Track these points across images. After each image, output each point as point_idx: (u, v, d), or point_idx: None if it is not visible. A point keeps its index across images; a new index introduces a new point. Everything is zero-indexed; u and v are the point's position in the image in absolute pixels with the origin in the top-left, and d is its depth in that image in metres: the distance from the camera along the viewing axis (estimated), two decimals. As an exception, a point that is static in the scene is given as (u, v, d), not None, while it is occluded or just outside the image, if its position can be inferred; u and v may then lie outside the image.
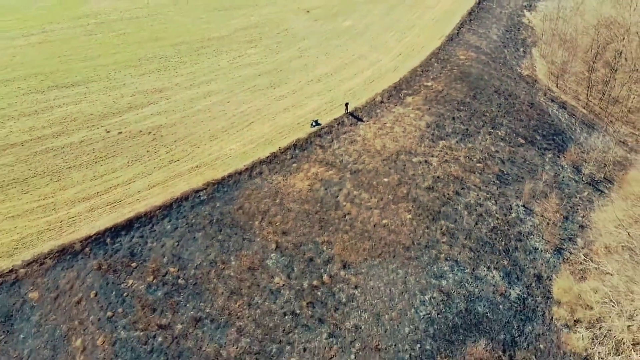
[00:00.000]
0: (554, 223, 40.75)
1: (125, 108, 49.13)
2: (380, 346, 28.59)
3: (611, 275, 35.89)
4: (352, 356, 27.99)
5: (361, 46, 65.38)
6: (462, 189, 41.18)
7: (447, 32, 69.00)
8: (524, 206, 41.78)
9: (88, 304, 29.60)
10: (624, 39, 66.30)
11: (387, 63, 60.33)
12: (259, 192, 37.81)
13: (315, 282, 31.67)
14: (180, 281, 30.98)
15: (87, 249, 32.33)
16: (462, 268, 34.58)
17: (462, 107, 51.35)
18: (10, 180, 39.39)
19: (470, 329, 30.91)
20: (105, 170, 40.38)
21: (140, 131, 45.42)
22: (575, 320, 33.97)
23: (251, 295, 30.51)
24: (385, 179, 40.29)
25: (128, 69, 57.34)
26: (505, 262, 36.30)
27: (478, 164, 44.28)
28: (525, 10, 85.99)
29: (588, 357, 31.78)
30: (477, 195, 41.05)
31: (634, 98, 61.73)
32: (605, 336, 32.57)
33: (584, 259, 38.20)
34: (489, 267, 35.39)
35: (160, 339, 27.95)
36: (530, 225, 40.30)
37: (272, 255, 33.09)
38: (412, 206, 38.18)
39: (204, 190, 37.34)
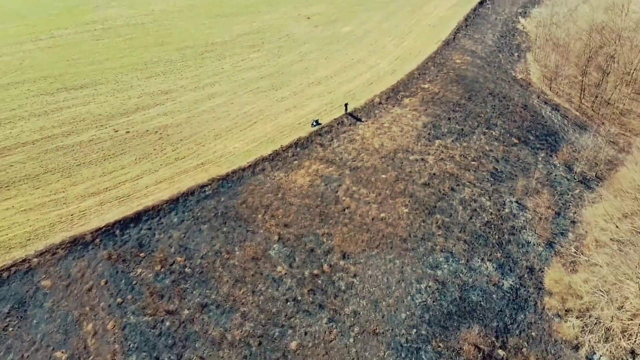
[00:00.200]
0: (546, 218, 42.23)
1: (133, 109, 50.90)
2: (378, 330, 29.92)
3: (600, 267, 37.26)
4: (351, 340, 29.32)
5: (360, 50, 67.41)
6: (457, 185, 42.73)
7: (444, 37, 71.09)
8: (517, 202, 43.29)
9: (98, 291, 30.97)
10: (615, 43, 68.34)
11: (386, 66, 62.27)
12: (261, 188, 39.35)
13: (315, 271, 33.10)
14: (186, 270, 32.40)
15: (97, 240, 33.78)
16: (456, 259, 35.99)
17: (457, 108, 53.11)
18: (22, 176, 40.95)
19: (464, 316, 32.24)
20: (114, 167, 41.97)
21: (147, 130, 47.11)
22: (566, 310, 35.26)
23: (255, 283, 31.91)
24: (383, 176, 41.86)
25: (135, 72, 59.25)
26: (499, 255, 37.70)
27: (473, 162, 45.88)
28: (519, 17, 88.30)
29: (579, 345, 33.02)
30: (472, 191, 42.58)
31: (624, 100, 63.55)
32: (595, 324, 33.83)
33: (575, 252, 39.60)
34: (482, 259, 36.79)
35: (168, 323, 29.29)
36: (523, 220, 41.76)
37: (274, 246, 34.55)
38: (409, 201, 39.70)
39: (209, 186, 38.89)
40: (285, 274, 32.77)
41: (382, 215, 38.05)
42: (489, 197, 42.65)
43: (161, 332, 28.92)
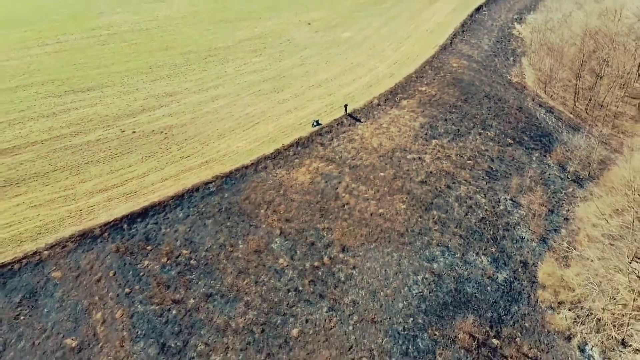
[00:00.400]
0: (539, 215, 43.52)
1: (139, 110, 52.42)
2: (376, 319, 31.08)
3: (592, 261, 38.48)
4: (350, 327, 30.47)
5: (359, 55, 69.18)
6: (454, 183, 44.08)
7: (441, 42, 72.94)
8: (511, 200, 44.61)
9: (107, 281, 32.17)
10: (608, 47, 70.11)
11: (384, 70, 63.96)
12: (264, 184, 40.71)
13: (316, 263, 34.33)
14: (192, 262, 33.62)
15: (106, 234, 35.04)
16: (452, 253, 37.22)
17: (454, 110, 54.64)
18: (31, 174, 42.28)
19: (460, 307, 33.40)
20: (121, 165, 43.34)
21: (153, 131, 48.56)
22: (558, 302, 36.44)
23: (257, 274, 33.12)
24: (382, 174, 43.23)
25: (140, 75, 60.89)
26: (493, 249, 38.94)
27: (468, 161, 47.28)
28: (515, 23, 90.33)
29: (571, 335, 34.13)
30: (468, 189, 43.91)
31: (617, 103, 65.12)
32: (586, 316, 34.98)
33: (568, 247, 40.84)
34: (477, 253, 38.02)
35: (174, 311, 30.45)
36: (518, 217, 43.05)
37: (276, 239, 35.81)
38: (407, 198, 41.02)
39: (213, 183, 40.24)
40: (287, 265, 34.00)
41: (381, 211, 39.35)
42: (484, 194, 43.98)
43: (168, 320, 30.08)
